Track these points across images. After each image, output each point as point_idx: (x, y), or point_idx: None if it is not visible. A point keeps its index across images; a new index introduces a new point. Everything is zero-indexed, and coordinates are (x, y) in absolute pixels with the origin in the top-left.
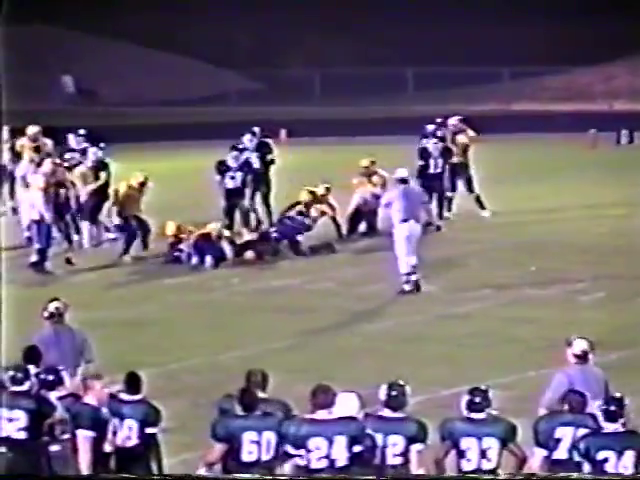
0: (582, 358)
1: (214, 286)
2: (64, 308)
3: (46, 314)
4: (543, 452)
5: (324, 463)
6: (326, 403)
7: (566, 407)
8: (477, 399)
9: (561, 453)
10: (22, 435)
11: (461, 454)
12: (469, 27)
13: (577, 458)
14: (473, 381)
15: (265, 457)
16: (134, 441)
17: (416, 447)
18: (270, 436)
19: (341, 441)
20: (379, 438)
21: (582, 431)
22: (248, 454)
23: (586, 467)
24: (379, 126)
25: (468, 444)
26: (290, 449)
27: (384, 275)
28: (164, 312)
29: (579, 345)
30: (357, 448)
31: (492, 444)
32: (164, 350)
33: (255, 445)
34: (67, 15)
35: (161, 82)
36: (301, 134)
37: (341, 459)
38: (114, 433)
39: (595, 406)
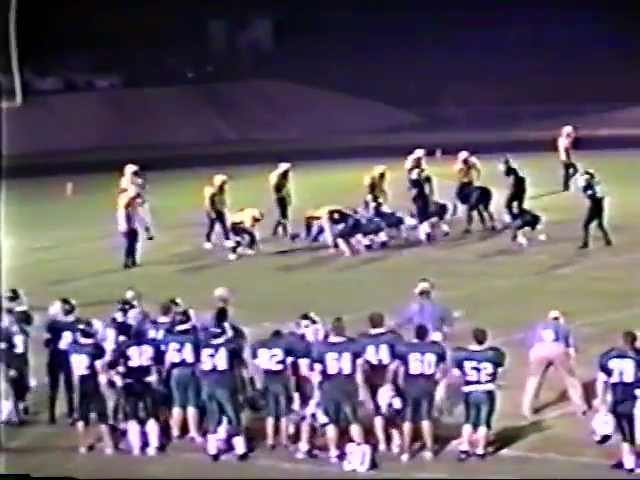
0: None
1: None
2: (430, 287)
3: (417, 290)
4: (604, 377)
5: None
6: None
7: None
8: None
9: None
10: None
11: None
12: (580, 73)
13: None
14: (575, 317)
15: (428, 371)
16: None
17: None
18: (431, 358)
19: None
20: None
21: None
22: (414, 369)
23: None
24: (506, 146)
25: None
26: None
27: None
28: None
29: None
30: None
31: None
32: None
33: (419, 363)
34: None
35: (348, 118)
36: (452, 154)
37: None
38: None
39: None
